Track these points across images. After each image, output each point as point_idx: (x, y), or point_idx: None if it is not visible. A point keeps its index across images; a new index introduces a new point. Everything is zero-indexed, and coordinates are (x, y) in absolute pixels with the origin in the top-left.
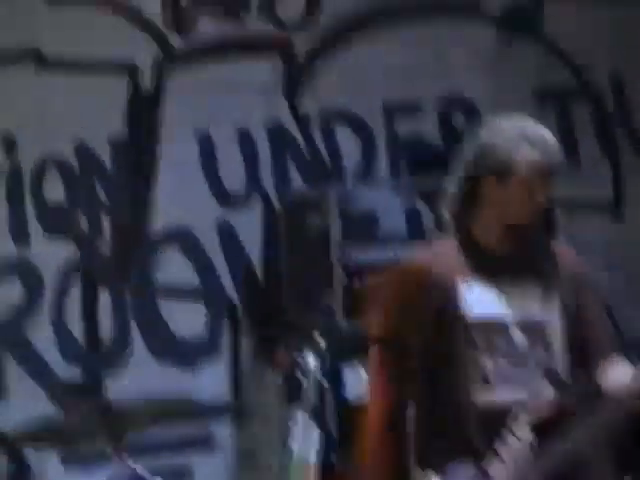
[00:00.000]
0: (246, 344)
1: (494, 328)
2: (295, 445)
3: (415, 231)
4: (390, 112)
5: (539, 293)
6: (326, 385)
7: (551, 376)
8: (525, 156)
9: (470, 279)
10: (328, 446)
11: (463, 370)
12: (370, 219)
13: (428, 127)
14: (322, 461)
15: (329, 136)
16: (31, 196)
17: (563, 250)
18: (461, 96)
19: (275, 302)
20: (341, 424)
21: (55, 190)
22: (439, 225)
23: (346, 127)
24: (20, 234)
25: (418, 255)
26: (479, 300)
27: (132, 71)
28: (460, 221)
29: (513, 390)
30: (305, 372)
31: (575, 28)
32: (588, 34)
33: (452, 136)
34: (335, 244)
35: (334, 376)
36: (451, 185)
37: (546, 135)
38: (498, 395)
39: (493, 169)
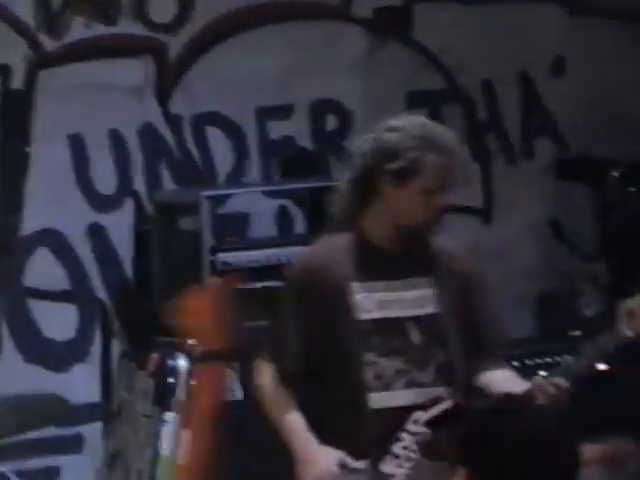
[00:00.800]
0: (117, 346)
1: (389, 328)
2: (164, 446)
3: (286, 233)
4: (262, 115)
5: (431, 291)
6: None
7: (447, 373)
8: (429, 161)
9: (361, 277)
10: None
11: (357, 372)
12: (241, 221)
13: (300, 130)
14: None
15: (201, 138)
16: None
17: (454, 248)
18: (333, 99)
19: (146, 304)
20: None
21: None
22: (311, 227)
23: (218, 130)
24: None
25: (309, 253)
26: (371, 300)
27: (4, 72)
28: (351, 218)
29: (409, 389)
30: (175, 374)
31: (445, 31)
32: (459, 37)
33: (324, 139)
34: (206, 247)
35: None
36: (344, 181)
37: (451, 139)
38: (394, 395)
39: (394, 171)
